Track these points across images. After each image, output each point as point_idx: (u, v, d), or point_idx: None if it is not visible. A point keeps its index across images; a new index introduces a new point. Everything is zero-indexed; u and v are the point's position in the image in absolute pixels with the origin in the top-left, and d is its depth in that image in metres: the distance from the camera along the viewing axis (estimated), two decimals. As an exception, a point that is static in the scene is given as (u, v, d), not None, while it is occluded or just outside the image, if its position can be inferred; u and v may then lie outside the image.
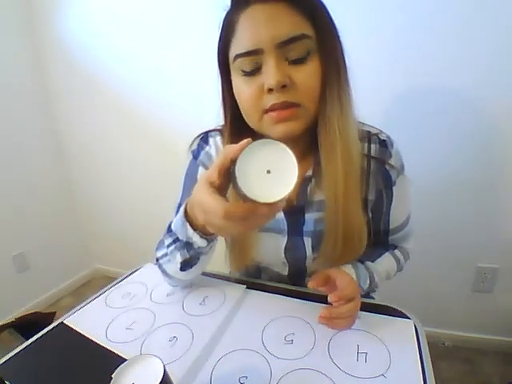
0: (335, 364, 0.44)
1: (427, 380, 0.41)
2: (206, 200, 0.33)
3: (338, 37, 0.48)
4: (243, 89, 0.47)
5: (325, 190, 0.51)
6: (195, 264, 0.52)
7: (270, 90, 0.44)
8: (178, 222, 0.46)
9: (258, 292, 0.61)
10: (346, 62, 0.49)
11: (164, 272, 0.57)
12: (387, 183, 0.56)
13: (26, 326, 1.46)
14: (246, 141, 0.30)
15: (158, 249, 0.57)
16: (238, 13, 0.45)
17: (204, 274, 0.67)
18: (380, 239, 0.64)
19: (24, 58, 1.59)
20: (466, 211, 1.16)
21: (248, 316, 0.55)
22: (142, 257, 0.75)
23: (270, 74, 0.43)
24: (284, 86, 0.43)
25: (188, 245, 0.47)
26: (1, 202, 1.53)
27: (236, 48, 0.45)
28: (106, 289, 0.65)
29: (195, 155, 0.62)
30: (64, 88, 1.65)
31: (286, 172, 0.29)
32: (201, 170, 0.61)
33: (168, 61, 1.37)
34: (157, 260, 0.57)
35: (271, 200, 0.28)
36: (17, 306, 1.62)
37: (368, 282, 0.55)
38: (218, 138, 0.60)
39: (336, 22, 0.48)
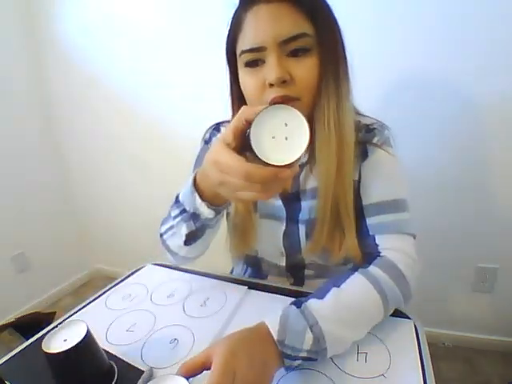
0: (335, 364, 0.44)
1: (427, 380, 0.41)
2: (224, 159, 0.32)
3: (339, 33, 0.51)
4: (248, 81, 0.50)
5: (318, 177, 0.54)
6: (200, 237, 0.51)
7: (272, 85, 0.47)
8: (186, 191, 0.47)
9: (259, 292, 0.61)
10: (347, 57, 0.52)
11: (167, 248, 0.57)
12: (365, 159, 0.56)
13: (26, 326, 1.46)
14: (261, 106, 0.31)
15: (162, 224, 0.57)
16: (245, 11, 0.48)
17: (205, 274, 0.67)
18: (361, 226, 0.55)
19: (23, 58, 1.59)
20: (465, 211, 1.16)
21: (248, 316, 0.54)
22: (142, 257, 0.75)
23: (272, 70, 0.46)
24: (284, 82, 0.46)
25: (195, 216, 0.47)
26: (1, 202, 1.53)
27: (242, 44, 0.49)
28: (105, 289, 0.65)
29: (207, 141, 0.67)
30: (63, 88, 1.65)
31: (299, 136, 0.31)
32: None
33: (168, 61, 1.37)
34: (161, 236, 0.57)
35: (283, 162, 0.30)
36: (17, 306, 1.62)
37: (309, 335, 0.38)
38: None
39: (337, 16, 0.50)
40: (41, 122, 1.70)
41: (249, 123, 0.31)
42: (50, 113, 1.71)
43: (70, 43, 1.54)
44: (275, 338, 0.38)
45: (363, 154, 0.56)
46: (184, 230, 0.50)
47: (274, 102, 0.47)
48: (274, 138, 0.31)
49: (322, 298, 0.42)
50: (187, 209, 0.48)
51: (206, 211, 0.45)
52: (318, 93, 0.49)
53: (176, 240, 0.53)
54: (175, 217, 0.51)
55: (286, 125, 0.31)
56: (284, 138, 0.31)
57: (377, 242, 0.52)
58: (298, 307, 0.41)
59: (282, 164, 0.30)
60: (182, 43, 1.31)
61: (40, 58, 1.62)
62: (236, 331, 0.39)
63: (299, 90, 0.48)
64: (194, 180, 0.45)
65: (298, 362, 0.39)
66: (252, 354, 0.35)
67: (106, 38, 1.46)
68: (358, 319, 0.43)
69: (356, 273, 0.47)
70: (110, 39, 1.46)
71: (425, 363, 0.43)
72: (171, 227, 0.53)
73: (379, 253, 0.51)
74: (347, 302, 0.43)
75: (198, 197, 0.44)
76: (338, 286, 0.44)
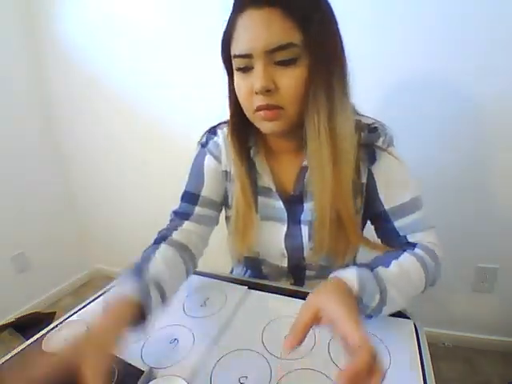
0: (335, 364, 0.44)
1: (427, 380, 0.41)
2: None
3: (337, 38, 0.49)
4: (240, 85, 0.51)
5: (311, 184, 0.54)
6: None
7: (257, 93, 0.48)
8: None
9: (259, 292, 0.61)
10: (344, 62, 0.50)
11: None
12: (373, 161, 0.57)
13: (26, 325, 1.46)
14: None
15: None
16: (237, 15, 0.48)
17: (205, 274, 0.67)
18: (386, 228, 0.58)
19: (23, 58, 1.58)
20: (465, 211, 1.16)
21: (248, 316, 0.55)
22: (142, 257, 0.75)
23: (257, 78, 0.47)
24: (269, 90, 0.47)
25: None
26: (1, 202, 1.53)
27: (234, 49, 0.49)
28: (105, 289, 0.65)
29: (203, 144, 0.66)
30: (63, 88, 1.65)
31: None
32: (208, 157, 0.65)
33: (168, 61, 1.37)
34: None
35: None
36: (17, 306, 1.62)
37: (378, 296, 0.44)
38: (225, 129, 0.64)
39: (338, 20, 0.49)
40: (41, 122, 1.69)
41: None
42: (50, 113, 1.71)
43: (70, 43, 1.54)
44: (356, 295, 0.42)
45: (370, 157, 0.56)
46: None
47: (259, 109, 0.49)
48: None
49: (387, 267, 0.47)
50: None
51: None
52: (307, 102, 0.48)
53: None
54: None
55: None
56: None
57: (409, 240, 0.57)
58: (370, 271, 0.45)
59: None
60: (182, 43, 1.31)
61: (40, 58, 1.62)
62: (318, 287, 0.41)
63: (283, 99, 0.48)
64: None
65: (362, 317, 0.44)
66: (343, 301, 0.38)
67: (106, 38, 1.46)
68: (409, 290, 0.49)
69: (405, 252, 0.52)
70: (110, 39, 1.46)
71: (425, 363, 0.43)
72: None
73: (415, 244, 0.55)
74: (405, 274, 0.48)
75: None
76: (397, 258, 0.50)
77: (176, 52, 1.34)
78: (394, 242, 0.57)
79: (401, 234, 0.57)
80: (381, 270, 0.46)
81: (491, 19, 0.94)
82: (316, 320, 0.37)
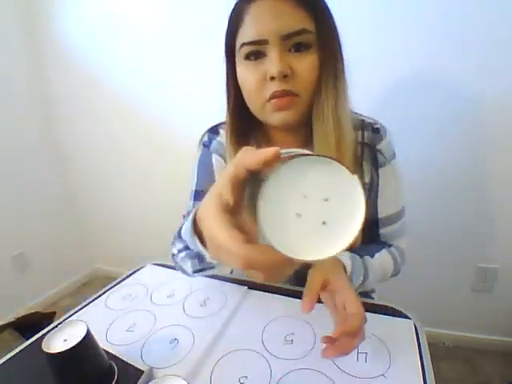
0: (335, 364, 0.44)
1: (427, 380, 0.41)
2: (220, 237, 0.23)
3: (337, 33, 0.51)
4: (247, 75, 0.50)
5: None
6: (209, 270, 0.47)
7: (272, 79, 0.47)
8: (186, 232, 0.38)
9: (259, 292, 0.61)
10: (344, 56, 0.52)
11: (181, 269, 0.53)
12: (376, 166, 0.58)
13: (26, 326, 1.46)
14: (273, 150, 0.21)
15: (173, 244, 0.52)
16: (247, 4, 0.48)
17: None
18: (371, 231, 0.63)
19: (23, 58, 1.58)
20: (466, 211, 1.16)
21: (248, 316, 0.55)
22: (142, 257, 0.75)
23: (273, 63, 0.46)
24: (285, 76, 0.46)
25: (199, 256, 0.41)
26: (1, 202, 1.53)
27: (243, 37, 0.48)
28: (105, 289, 0.65)
29: (207, 145, 0.65)
30: (63, 88, 1.65)
31: (345, 212, 0.19)
32: (214, 156, 0.64)
33: (168, 61, 1.37)
34: (172, 255, 0.53)
35: (314, 258, 0.19)
36: (17, 306, 1.62)
37: (361, 278, 0.52)
38: None
39: (336, 16, 0.50)
40: (41, 122, 1.69)
41: (253, 175, 0.20)
42: (50, 113, 1.71)
43: (70, 43, 1.54)
44: (349, 274, 0.49)
45: (374, 160, 0.57)
46: (189, 267, 0.47)
47: (274, 97, 0.48)
48: (299, 215, 0.20)
49: (372, 257, 0.56)
50: (191, 247, 0.40)
51: (208, 257, 0.36)
52: (317, 90, 0.49)
53: (186, 268, 0.50)
54: (180, 250, 0.47)
55: (323, 191, 0.19)
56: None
57: (382, 238, 0.64)
58: (360, 257, 0.53)
59: (310, 259, 0.19)
60: (182, 43, 1.31)
61: (40, 58, 1.62)
62: (319, 263, 0.46)
63: (299, 85, 0.48)
64: (194, 220, 0.35)
65: None
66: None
67: (106, 38, 1.46)
68: (380, 278, 0.59)
69: (383, 249, 0.60)
70: (110, 39, 1.46)
71: (425, 363, 0.43)
72: (177, 256, 0.49)
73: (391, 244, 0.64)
74: (382, 266, 0.58)
75: (198, 242, 0.35)
76: (379, 252, 0.58)
77: (176, 52, 1.34)
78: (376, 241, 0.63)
79: (381, 240, 0.63)
80: (368, 259, 0.54)
81: (492, 19, 0.94)
82: (323, 287, 0.43)
